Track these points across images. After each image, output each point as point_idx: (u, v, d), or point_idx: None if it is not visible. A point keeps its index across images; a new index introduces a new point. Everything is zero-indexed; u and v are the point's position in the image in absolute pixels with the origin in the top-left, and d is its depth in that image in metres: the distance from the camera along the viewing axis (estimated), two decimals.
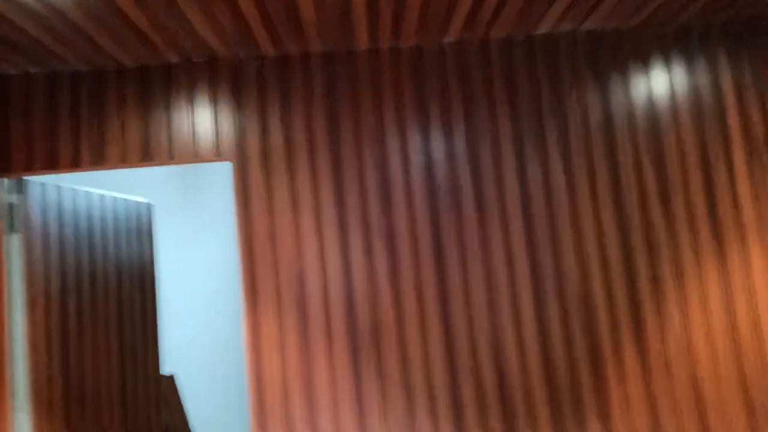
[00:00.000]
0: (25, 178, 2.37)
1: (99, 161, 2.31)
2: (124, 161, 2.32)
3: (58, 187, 2.60)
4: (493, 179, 2.33)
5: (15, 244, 2.34)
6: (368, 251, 2.27)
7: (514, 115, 2.36)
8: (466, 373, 2.23)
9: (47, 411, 2.37)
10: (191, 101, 2.35)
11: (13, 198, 2.36)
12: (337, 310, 2.25)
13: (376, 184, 2.31)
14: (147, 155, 2.32)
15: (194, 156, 2.32)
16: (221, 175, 6.08)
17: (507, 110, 2.37)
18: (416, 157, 2.33)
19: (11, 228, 2.35)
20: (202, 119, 2.34)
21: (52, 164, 2.31)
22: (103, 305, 2.84)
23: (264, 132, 2.33)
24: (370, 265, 2.27)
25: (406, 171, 2.33)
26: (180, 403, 3.63)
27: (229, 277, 6.63)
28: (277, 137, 2.32)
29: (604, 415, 2.23)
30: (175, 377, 3.80)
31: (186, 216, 5.03)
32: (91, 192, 2.86)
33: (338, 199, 2.30)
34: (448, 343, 2.24)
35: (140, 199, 3.28)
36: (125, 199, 3.13)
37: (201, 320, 5.17)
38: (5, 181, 2.34)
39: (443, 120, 2.35)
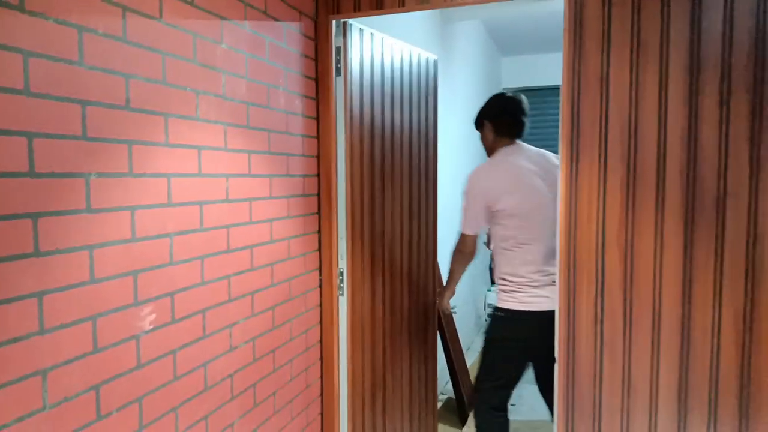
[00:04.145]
0: (348, 22, 2.45)
1: (424, 1, 2.27)
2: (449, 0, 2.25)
3: (372, 34, 2.66)
4: None
5: (339, 86, 2.49)
6: (723, 105, 1.91)
7: None
8: None
9: (359, 242, 2.62)
10: None
11: (340, 41, 2.47)
12: (674, 175, 1.98)
13: (747, 29, 1.88)
14: None
15: None
16: (467, 35, 5.86)
17: None
18: None
19: (337, 71, 2.48)
20: None
21: (379, 5, 2.33)
22: (399, 156, 2.96)
23: None
24: (723, 123, 1.91)
25: None
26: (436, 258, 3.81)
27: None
28: None
29: None
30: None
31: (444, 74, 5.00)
32: (396, 41, 2.89)
33: (691, 41, 1.93)
34: None
35: (429, 53, 3.26)
36: (418, 53, 3.13)
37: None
38: (333, 24, 2.45)
39: None
